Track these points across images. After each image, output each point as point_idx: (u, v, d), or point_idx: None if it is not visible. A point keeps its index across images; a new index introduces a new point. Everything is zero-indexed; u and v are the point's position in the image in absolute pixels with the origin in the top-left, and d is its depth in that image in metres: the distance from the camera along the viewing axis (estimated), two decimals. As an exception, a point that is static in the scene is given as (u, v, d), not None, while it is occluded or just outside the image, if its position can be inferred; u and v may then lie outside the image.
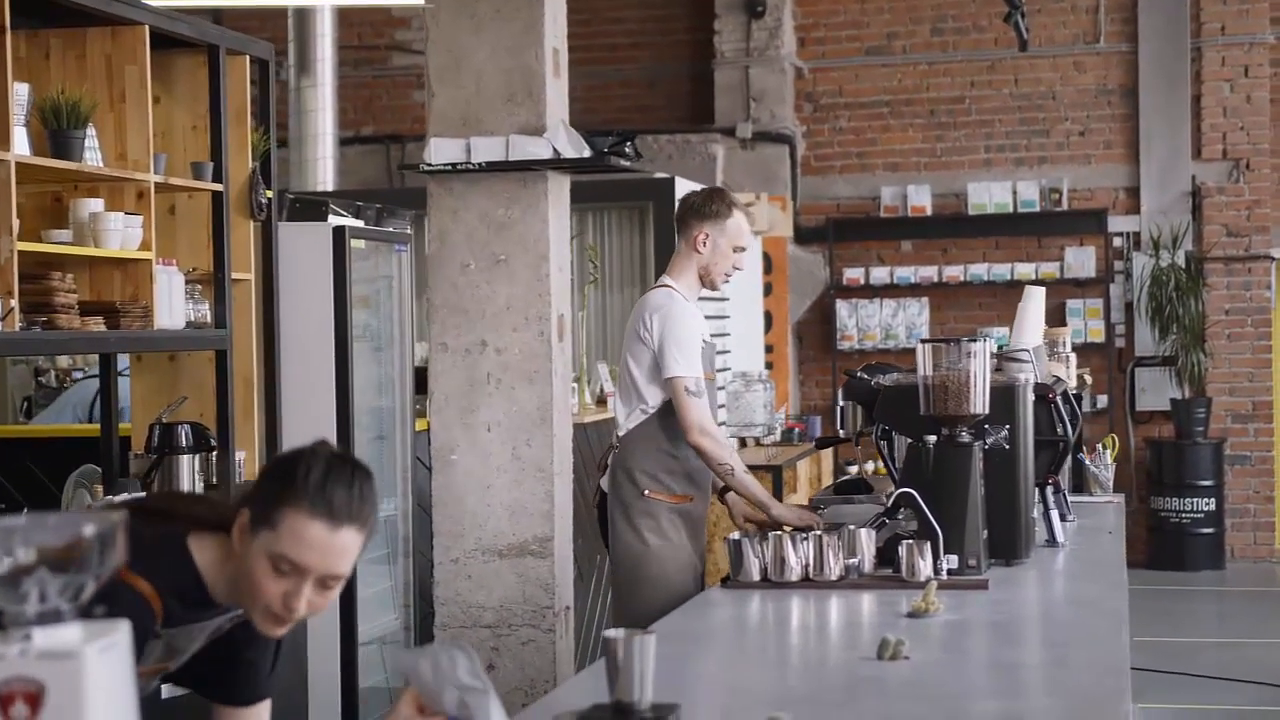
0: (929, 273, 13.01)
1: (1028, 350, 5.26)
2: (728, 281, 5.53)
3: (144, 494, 5.12)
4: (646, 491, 5.29)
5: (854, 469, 12.34)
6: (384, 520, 7.00)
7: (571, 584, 6.03)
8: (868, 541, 4.41)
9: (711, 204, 5.41)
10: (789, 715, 2.66)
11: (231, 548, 2.68)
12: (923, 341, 4.55)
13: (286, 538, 2.58)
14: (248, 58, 6.00)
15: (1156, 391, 12.78)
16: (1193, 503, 12.43)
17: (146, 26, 5.31)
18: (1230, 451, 12.73)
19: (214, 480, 5.69)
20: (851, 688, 3.17)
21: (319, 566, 2.60)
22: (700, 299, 7.76)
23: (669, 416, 5.25)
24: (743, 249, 5.42)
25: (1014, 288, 12.78)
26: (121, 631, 1.83)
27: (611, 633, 2.78)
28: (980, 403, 4.47)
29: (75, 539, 1.78)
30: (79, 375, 8.88)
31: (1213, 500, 12.45)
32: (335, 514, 2.59)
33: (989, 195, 12.95)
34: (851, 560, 4.35)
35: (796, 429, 11.19)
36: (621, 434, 5.39)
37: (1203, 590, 12.00)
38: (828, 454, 11.36)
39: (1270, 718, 8.12)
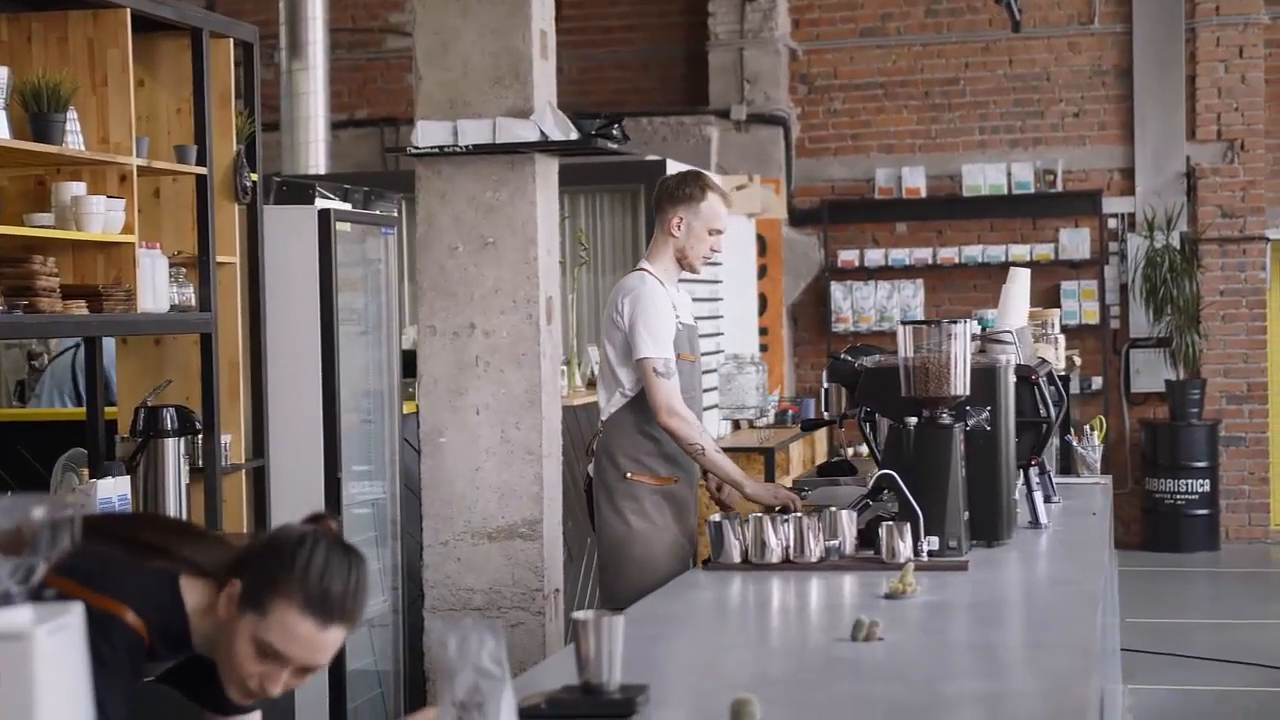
0: (924, 255, 13.01)
1: (1010, 332, 5.25)
2: (709, 263, 5.53)
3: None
4: (629, 474, 5.31)
5: (849, 451, 12.35)
6: (372, 503, 7.01)
7: (561, 566, 6.03)
8: (849, 523, 4.41)
9: (685, 187, 5.41)
10: (755, 697, 2.66)
11: (217, 607, 2.67)
12: (903, 323, 4.55)
13: (275, 628, 2.59)
14: (231, 41, 5.99)
15: (1151, 373, 12.78)
16: (1187, 484, 12.44)
17: (128, 10, 5.29)
18: (1225, 433, 12.74)
19: (199, 463, 5.69)
20: (823, 669, 3.18)
21: (302, 660, 2.62)
22: (695, 281, 7.76)
23: (647, 399, 5.27)
24: (719, 231, 5.41)
25: (1008, 270, 12.74)
26: (73, 613, 1.83)
27: (580, 615, 2.79)
28: (961, 384, 4.47)
29: (24, 522, 1.78)
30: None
31: (1207, 482, 12.46)
32: (328, 612, 2.61)
33: (983, 177, 12.94)
34: (832, 542, 4.35)
35: (790, 411, 11.19)
36: (604, 418, 5.42)
37: (1197, 571, 12.02)
38: (821, 436, 11.36)
39: (1263, 698, 8.13)
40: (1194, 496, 12.45)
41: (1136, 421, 12.90)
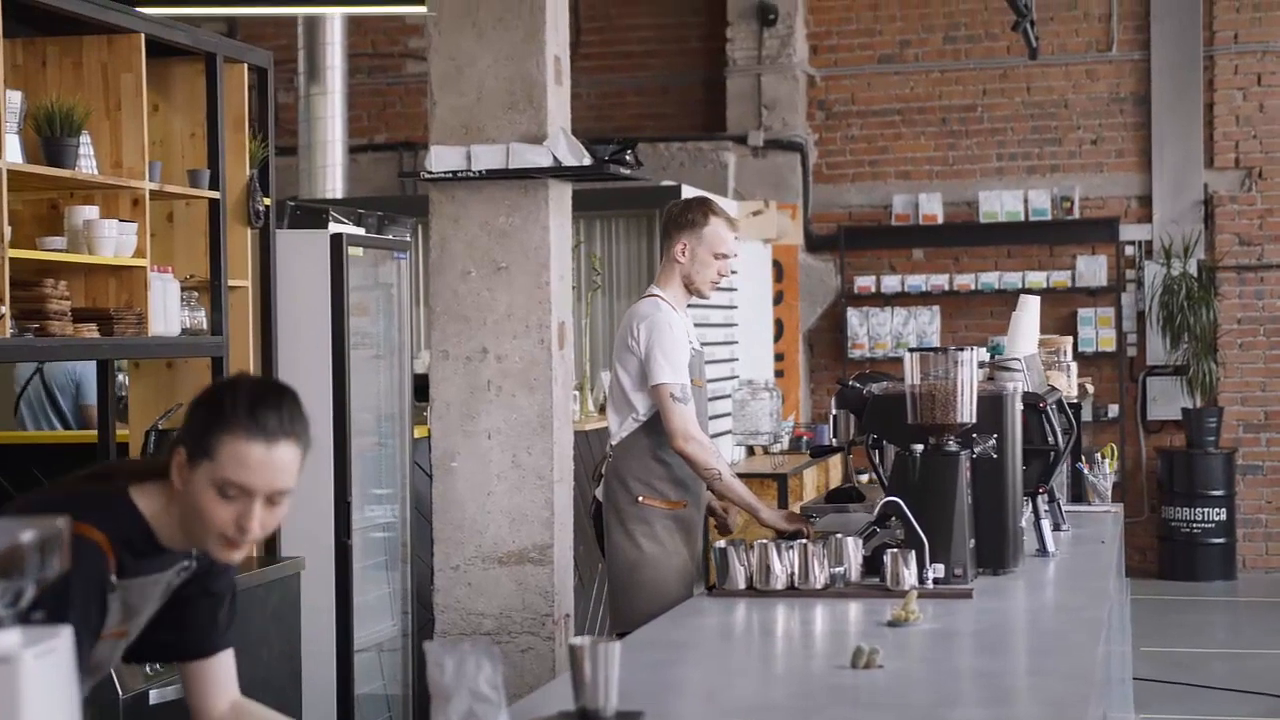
0: (940, 281, 13.00)
1: (1019, 359, 5.25)
2: (717, 288, 5.54)
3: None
4: (640, 498, 5.32)
5: (864, 477, 12.32)
6: (383, 527, 7.02)
7: (571, 591, 6.03)
8: (854, 550, 4.41)
9: (689, 213, 5.44)
10: (751, 723, 2.66)
11: (173, 491, 2.76)
12: (910, 350, 4.56)
13: (228, 463, 2.68)
14: (245, 66, 6.03)
15: (1168, 401, 12.75)
16: (1204, 512, 12.40)
17: (142, 35, 5.33)
18: (1242, 461, 12.69)
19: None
20: (822, 696, 3.17)
21: (263, 485, 2.69)
22: (711, 306, 7.75)
23: (660, 424, 5.28)
24: (724, 256, 5.43)
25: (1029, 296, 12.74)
26: (61, 637, 1.84)
27: (577, 640, 2.80)
28: (967, 412, 4.47)
29: (14, 545, 1.80)
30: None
31: (1224, 510, 12.41)
32: (270, 431, 2.69)
33: (1000, 203, 12.93)
34: (838, 569, 4.35)
35: (805, 437, 11.18)
36: (614, 443, 5.43)
37: (1213, 600, 11.96)
38: (836, 462, 11.35)
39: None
40: (1210, 525, 12.40)
41: (1153, 449, 12.86)
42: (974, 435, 4.55)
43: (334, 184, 10.89)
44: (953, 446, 4.48)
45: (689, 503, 5.36)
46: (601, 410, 8.22)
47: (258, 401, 2.71)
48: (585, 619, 7.54)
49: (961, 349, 4.50)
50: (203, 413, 2.74)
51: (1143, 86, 12.91)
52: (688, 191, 10.33)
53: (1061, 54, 13.00)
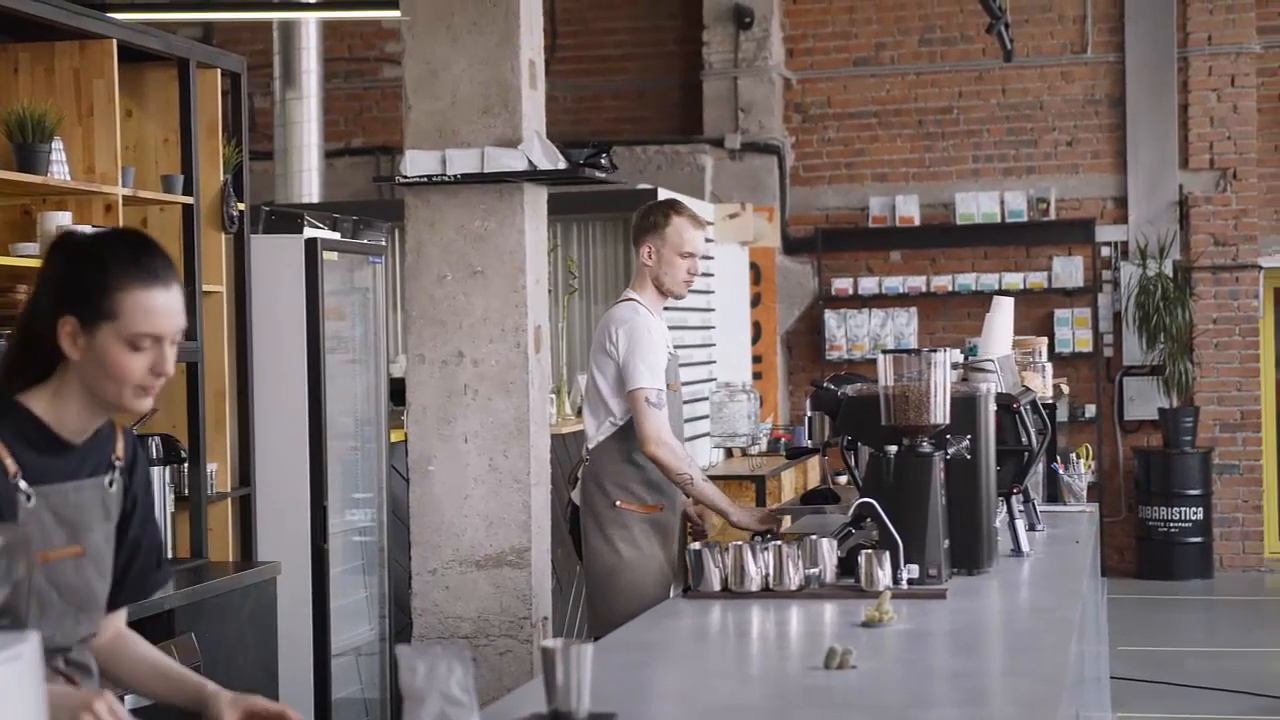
0: (917, 283, 13.03)
1: (992, 360, 5.26)
2: (689, 285, 5.55)
3: None
4: (618, 502, 5.34)
5: (843, 479, 12.33)
6: (360, 531, 7.01)
7: (549, 594, 6.03)
8: (829, 551, 4.42)
9: (649, 216, 5.51)
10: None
11: (60, 384, 2.74)
12: (884, 352, 4.57)
13: (135, 317, 2.69)
14: (219, 71, 6.02)
15: (1144, 401, 12.79)
16: (1181, 512, 12.44)
17: (115, 40, 5.33)
18: (1218, 460, 12.74)
19: (185, 493, 5.70)
20: (795, 697, 3.18)
21: (170, 329, 2.73)
22: (688, 309, 7.76)
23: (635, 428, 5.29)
24: (690, 255, 5.46)
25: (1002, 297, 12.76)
26: (29, 643, 1.84)
27: (548, 643, 2.80)
28: (941, 413, 4.48)
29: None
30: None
31: (1201, 509, 12.46)
32: (162, 278, 2.73)
33: (977, 205, 12.96)
34: (812, 570, 4.36)
35: (783, 439, 11.19)
36: (591, 446, 5.46)
37: (1191, 599, 12.00)
38: (814, 464, 11.36)
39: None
40: (1188, 524, 12.45)
41: (1130, 449, 12.90)
42: (948, 436, 4.56)
43: (310, 189, 10.88)
44: (926, 447, 4.49)
45: (665, 506, 5.38)
46: (578, 414, 8.23)
47: (139, 250, 2.73)
48: (563, 622, 7.54)
49: (935, 350, 4.51)
50: (82, 276, 2.71)
51: (1117, 88, 12.95)
52: (664, 195, 10.34)
53: (1036, 56, 13.03)
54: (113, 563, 2.88)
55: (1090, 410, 12.76)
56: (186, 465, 5.68)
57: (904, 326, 13.07)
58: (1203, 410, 12.68)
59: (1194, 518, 12.43)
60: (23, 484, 2.71)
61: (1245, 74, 12.77)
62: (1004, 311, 5.65)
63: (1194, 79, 12.82)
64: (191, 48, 5.85)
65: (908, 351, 4.54)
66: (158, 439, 5.53)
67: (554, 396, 8.03)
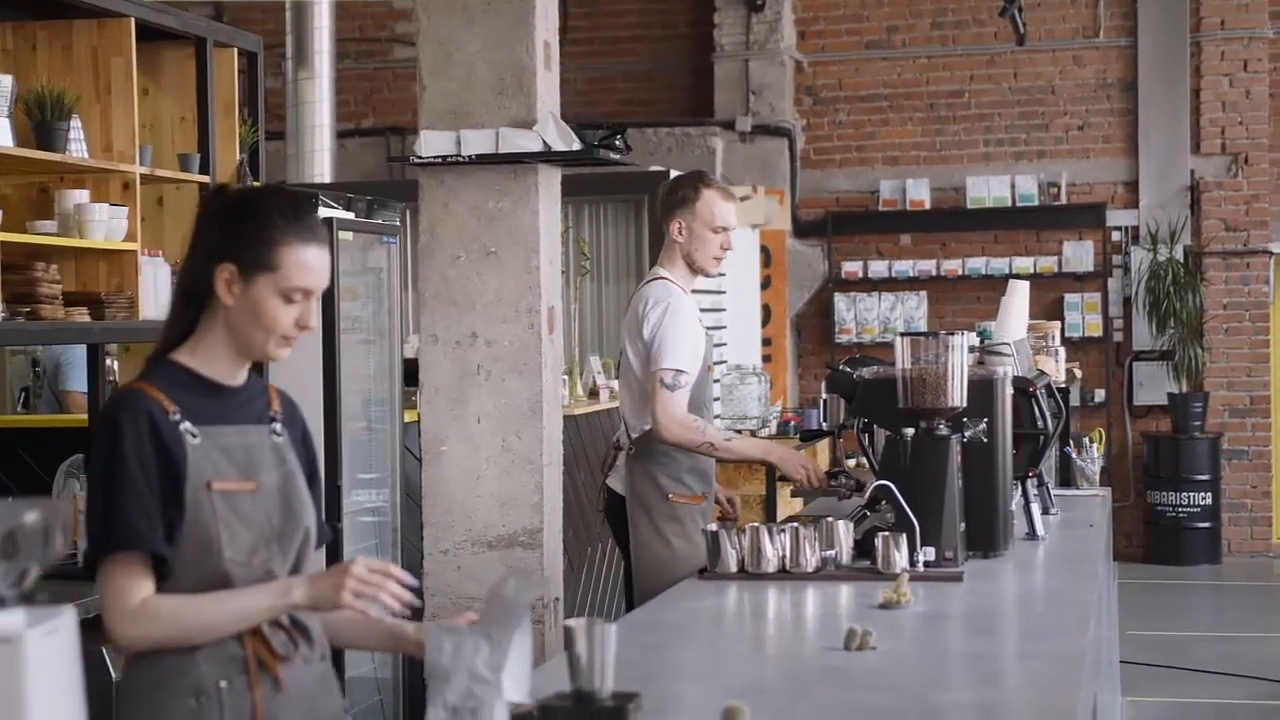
0: (927, 266, 13.02)
1: (1009, 343, 5.26)
2: (720, 262, 5.42)
3: None
4: (671, 495, 5.24)
5: (851, 462, 12.33)
6: (373, 511, 7.02)
7: (561, 576, 6.04)
8: (845, 534, 4.42)
9: (678, 190, 5.35)
10: (745, 705, 2.68)
11: (205, 333, 2.90)
12: (901, 335, 4.56)
13: (293, 271, 2.85)
14: (235, 50, 6.02)
15: (1154, 386, 12.79)
16: (1189, 497, 12.44)
17: (132, 19, 5.33)
18: (1227, 446, 12.74)
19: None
20: (815, 678, 3.19)
21: (320, 284, 2.89)
22: (698, 291, 7.73)
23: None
24: (723, 229, 5.32)
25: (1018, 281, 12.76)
26: (65, 617, 1.85)
27: (572, 622, 2.81)
28: (958, 396, 4.48)
29: (16, 526, 1.80)
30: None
31: (1209, 494, 12.46)
32: (319, 236, 2.89)
33: (987, 189, 12.96)
34: (829, 552, 4.36)
35: (793, 422, 11.18)
36: (635, 435, 5.31)
37: (1199, 584, 12.02)
38: (825, 446, 11.37)
39: (1264, 712, 8.13)
40: (1196, 509, 12.45)
41: (1139, 434, 12.90)
42: (964, 419, 4.56)
43: (322, 169, 10.87)
44: (943, 430, 4.49)
45: (707, 494, 5.34)
46: (591, 395, 8.24)
47: (299, 209, 2.89)
48: (574, 603, 7.55)
49: (952, 333, 4.51)
50: (245, 227, 2.85)
51: (1129, 72, 12.94)
52: (676, 175, 10.34)
53: (1049, 40, 13.02)
54: (308, 509, 3.00)
55: (1100, 395, 12.76)
56: (202, 444, 5.68)
57: (914, 310, 13.06)
58: (1212, 395, 12.68)
59: (1203, 503, 12.44)
60: (185, 424, 2.84)
61: (1258, 59, 12.75)
62: (1020, 295, 5.65)
63: (1206, 64, 12.80)
64: (208, 26, 5.86)
65: (925, 334, 4.53)
66: (174, 417, 5.53)
67: (566, 378, 8.03)
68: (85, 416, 6.04)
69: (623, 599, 8.13)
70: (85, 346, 5.98)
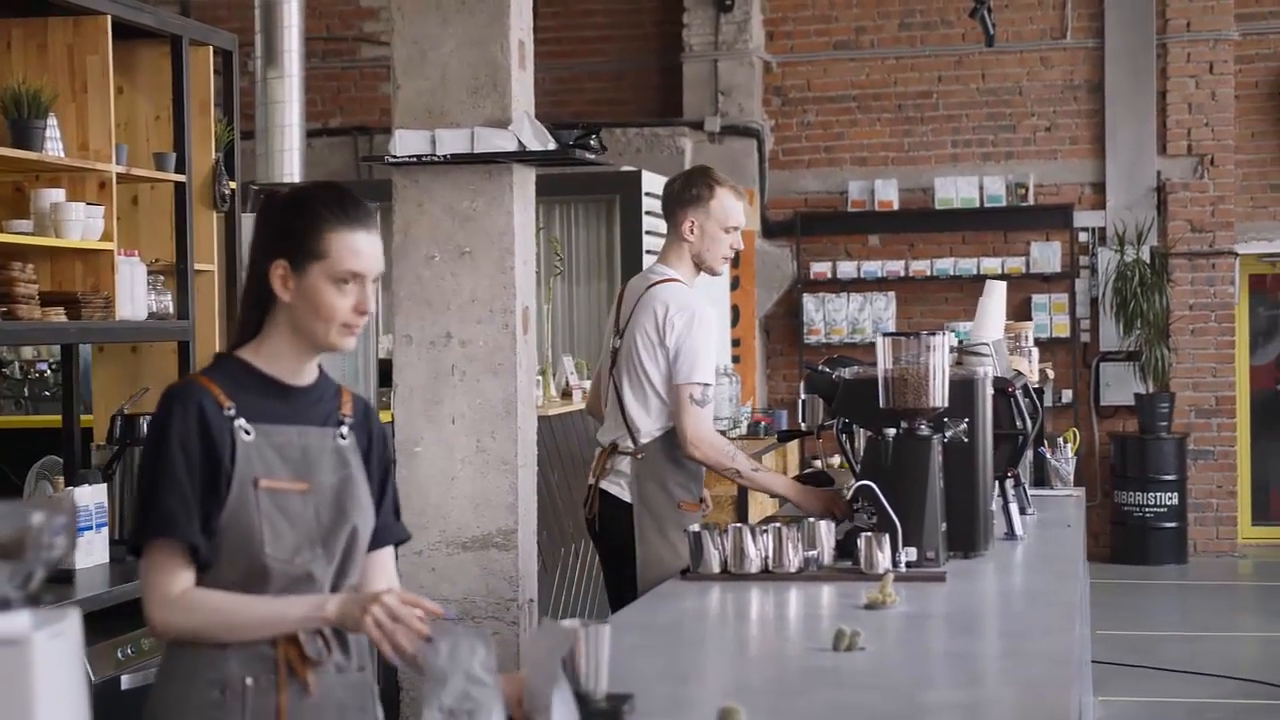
0: (896, 267, 13.05)
1: (988, 344, 5.27)
2: (728, 262, 5.31)
3: None
4: (682, 504, 5.13)
5: (818, 462, 12.35)
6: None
7: (535, 577, 6.03)
8: (827, 534, 4.42)
9: (691, 188, 5.19)
10: (741, 706, 2.67)
11: (270, 332, 2.94)
12: (883, 335, 4.56)
13: (344, 255, 2.90)
14: (211, 48, 5.99)
15: (1120, 386, 12.85)
16: (1156, 497, 12.50)
17: (109, 16, 5.29)
18: (1193, 446, 12.81)
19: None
20: (805, 678, 3.19)
21: (372, 268, 2.94)
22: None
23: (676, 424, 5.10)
24: (735, 228, 5.18)
25: (980, 282, 12.68)
26: (70, 620, 1.83)
27: (567, 624, 2.80)
28: (939, 396, 4.48)
29: (24, 528, 1.79)
30: (43, 367, 8.85)
31: (1175, 494, 12.52)
32: (365, 223, 2.95)
33: (955, 190, 12.99)
34: (811, 552, 4.36)
35: (763, 422, 11.19)
36: (644, 440, 5.15)
37: (1165, 584, 12.07)
38: (793, 447, 11.38)
39: (1231, 710, 8.17)
40: (1163, 509, 12.51)
41: (1106, 435, 12.95)
42: (945, 420, 4.57)
43: (292, 169, 10.80)
44: (925, 430, 4.50)
45: (705, 499, 5.29)
46: (564, 395, 8.23)
47: (343, 199, 2.95)
48: (549, 604, 7.54)
49: (934, 333, 4.52)
50: (294, 222, 2.92)
51: (1096, 74, 12.99)
52: (648, 177, 10.34)
53: (1016, 41, 13.06)
54: (364, 514, 3.00)
55: (1067, 395, 12.81)
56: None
57: (882, 311, 13.09)
58: (1178, 396, 12.74)
59: (1169, 503, 12.50)
60: (240, 420, 2.88)
61: (1224, 61, 12.82)
62: (997, 295, 5.67)
63: (1173, 65, 12.87)
64: (185, 25, 5.82)
65: (907, 335, 4.54)
66: (149, 418, 5.49)
67: (539, 379, 8.01)
68: (59, 418, 6.00)
69: (598, 600, 8.12)
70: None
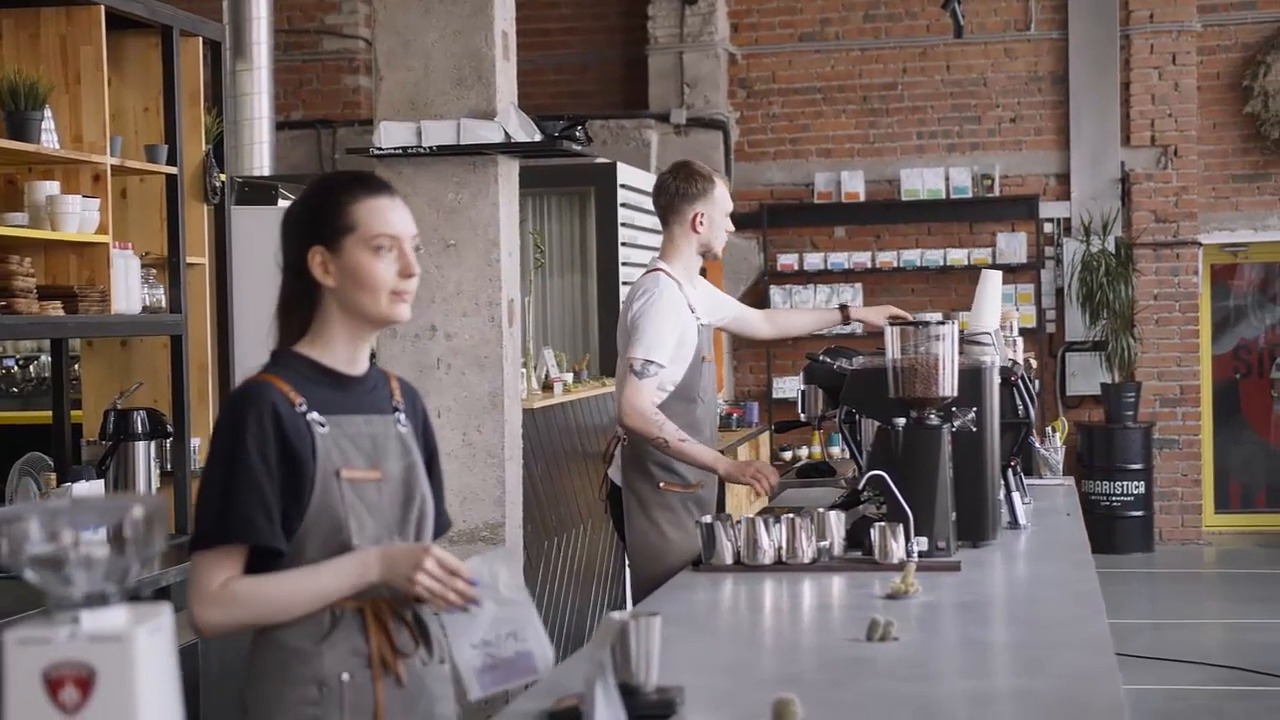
0: (862, 258, 13.07)
1: (989, 333, 5.28)
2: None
3: None
4: (662, 484, 5.24)
5: (804, 452, 12.38)
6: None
7: (521, 570, 6.02)
8: (837, 525, 4.42)
9: (695, 183, 5.37)
10: (796, 697, 2.66)
11: (321, 323, 2.93)
12: (891, 323, 4.56)
13: (372, 221, 2.90)
14: (201, 39, 5.93)
15: (1087, 376, 12.91)
16: (1122, 486, 12.57)
17: (102, 7, 5.23)
18: (1159, 435, 12.88)
19: (169, 467, 5.62)
20: (847, 669, 3.17)
21: (404, 228, 2.94)
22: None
23: (677, 404, 5.19)
24: (729, 211, 5.48)
25: (946, 273, 12.88)
26: (165, 614, 1.80)
27: (617, 615, 2.78)
28: (949, 385, 4.48)
29: (125, 521, 1.76)
30: (10, 363, 8.77)
31: (1142, 483, 12.60)
32: (386, 190, 2.97)
33: (922, 181, 13.02)
34: (822, 543, 4.36)
35: (734, 414, 11.21)
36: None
37: (1132, 573, 12.14)
38: (764, 439, 11.40)
39: (1200, 696, 8.23)
40: (1129, 498, 12.59)
41: (1072, 424, 13.01)
42: (953, 409, 4.57)
43: (261, 162, 10.74)
44: (934, 420, 4.50)
45: (704, 481, 5.32)
46: (545, 388, 8.21)
47: (358, 175, 2.99)
48: (535, 597, 7.51)
49: (943, 322, 4.51)
50: (320, 209, 2.93)
51: (1061, 65, 13.04)
52: (623, 169, 10.32)
53: (980, 33, 13.10)
54: (427, 500, 3.01)
55: (1034, 386, 12.84)
56: (171, 440, 5.59)
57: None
58: (1144, 385, 12.82)
59: (1135, 492, 12.57)
60: (313, 414, 2.87)
61: (1186, 52, 12.90)
62: (993, 284, 5.67)
63: (1136, 57, 12.93)
64: (176, 15, 5.76)
65: (915, 324, 4.53)
66: (143, 413, 5.45)
67: (523, 371, 7.98)
68: (40, 414, 5.94)
69: (582, 593, 8.11)
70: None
